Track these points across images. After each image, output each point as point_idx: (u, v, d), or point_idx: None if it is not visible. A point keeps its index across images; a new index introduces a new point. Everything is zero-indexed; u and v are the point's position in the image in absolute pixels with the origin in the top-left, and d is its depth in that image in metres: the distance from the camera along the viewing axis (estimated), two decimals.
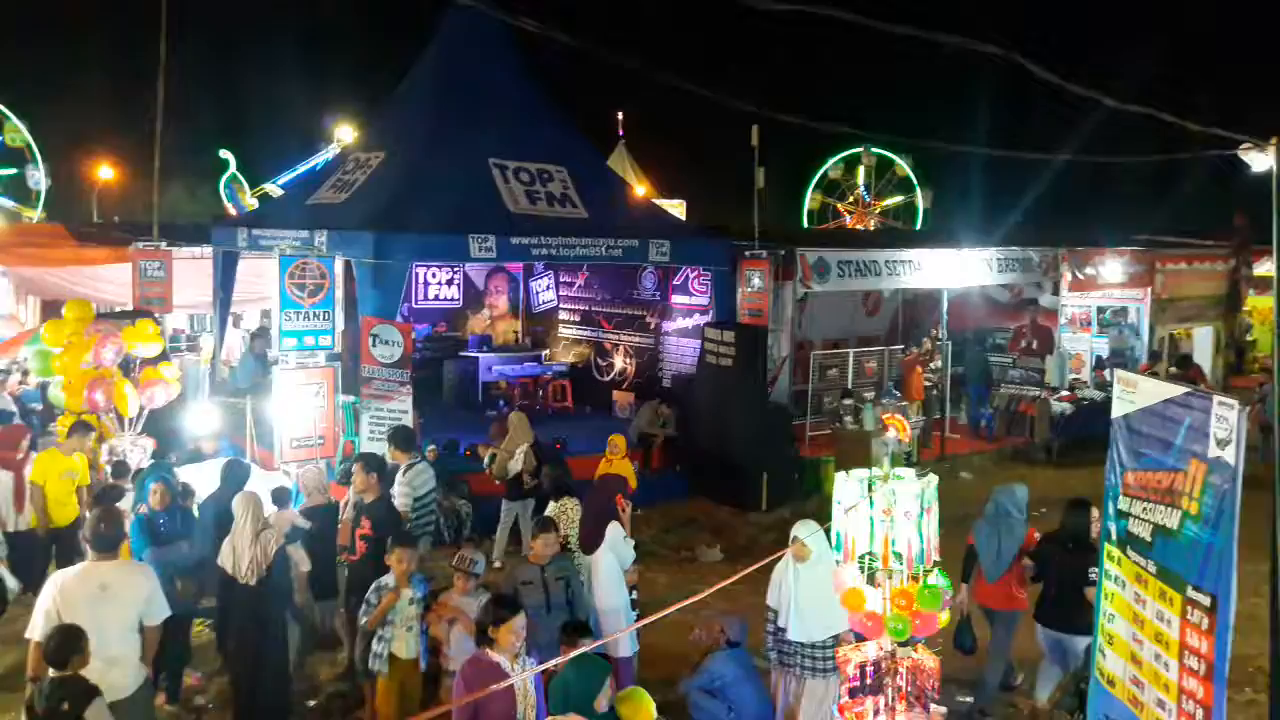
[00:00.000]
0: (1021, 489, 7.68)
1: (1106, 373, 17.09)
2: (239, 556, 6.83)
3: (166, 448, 10.57)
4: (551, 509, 8.32)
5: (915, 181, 37.83)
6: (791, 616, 6.34)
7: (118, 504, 8.46)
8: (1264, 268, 19.31)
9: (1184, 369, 17.04)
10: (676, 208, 27.51)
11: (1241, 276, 19.10)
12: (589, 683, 4.96)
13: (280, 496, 8.19)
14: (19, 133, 29.93)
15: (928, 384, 15.38)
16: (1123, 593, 4.40)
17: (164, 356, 11.64)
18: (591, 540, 7.28)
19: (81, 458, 9.30)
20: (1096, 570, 6.69)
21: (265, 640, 7.00)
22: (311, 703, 7.56)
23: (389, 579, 6.61)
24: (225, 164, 27.96)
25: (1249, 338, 21.25)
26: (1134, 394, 4.48)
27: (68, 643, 5.06)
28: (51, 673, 5.05)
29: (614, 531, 7.21)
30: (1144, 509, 4.25)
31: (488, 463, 10.70)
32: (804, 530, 6.31)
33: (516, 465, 10.28)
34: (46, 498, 8.91)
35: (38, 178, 29.68)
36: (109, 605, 5.62)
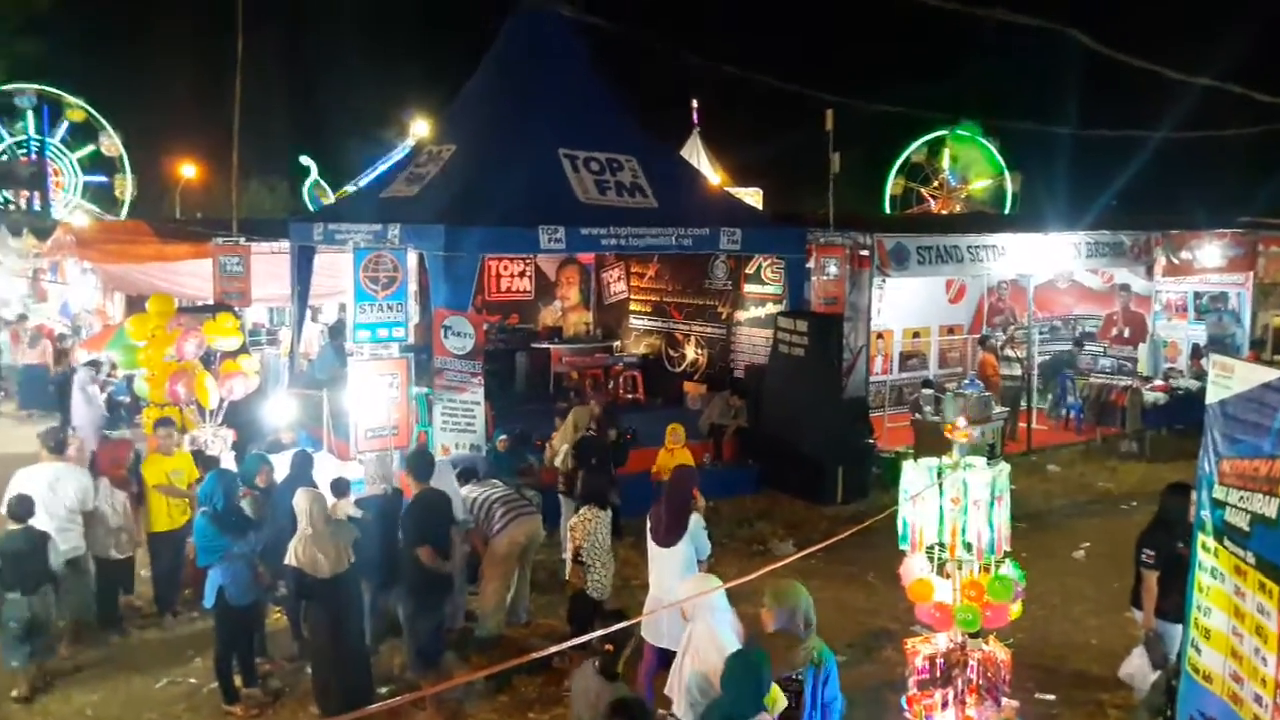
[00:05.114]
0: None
1: (1204, 362, 16.30)
2: (315, 555, 6.89)
3: (246, 438, 10.81)
4: (572, 518, 8.01)
5: (1003, 165, 36.78)
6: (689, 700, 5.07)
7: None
8: None
9: None
10: (754, 196, 27.10)
11: None
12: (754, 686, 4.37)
13: (339, 486, 8.24)
14: (115, 144, 31.19)
15: (1004, 374, 14.82)
16: (1221, 585, 4.24)
17: (243, 349, 11.91)
18: (672, 532, 7.10)
19: (185, 455, 9.30)
20: (1149, 551, 6.70)
21: (344, 630, 7.13)
22: (383, 689, 7.54)
23: None
24: (306, 170, 28.38)
25: None
26: (1230, 379, 4.35)
27: (24, 504, 7.49)
28: (12, 525, 7.40)
29: (696, 523, 7.18)
30: (1240, 498, 4.11)
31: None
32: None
33: (556, 460, 10.22)
34: (154, 503, 8.80)
35: (126, 188, 30.88)
36: (57, 491, 7.96)
